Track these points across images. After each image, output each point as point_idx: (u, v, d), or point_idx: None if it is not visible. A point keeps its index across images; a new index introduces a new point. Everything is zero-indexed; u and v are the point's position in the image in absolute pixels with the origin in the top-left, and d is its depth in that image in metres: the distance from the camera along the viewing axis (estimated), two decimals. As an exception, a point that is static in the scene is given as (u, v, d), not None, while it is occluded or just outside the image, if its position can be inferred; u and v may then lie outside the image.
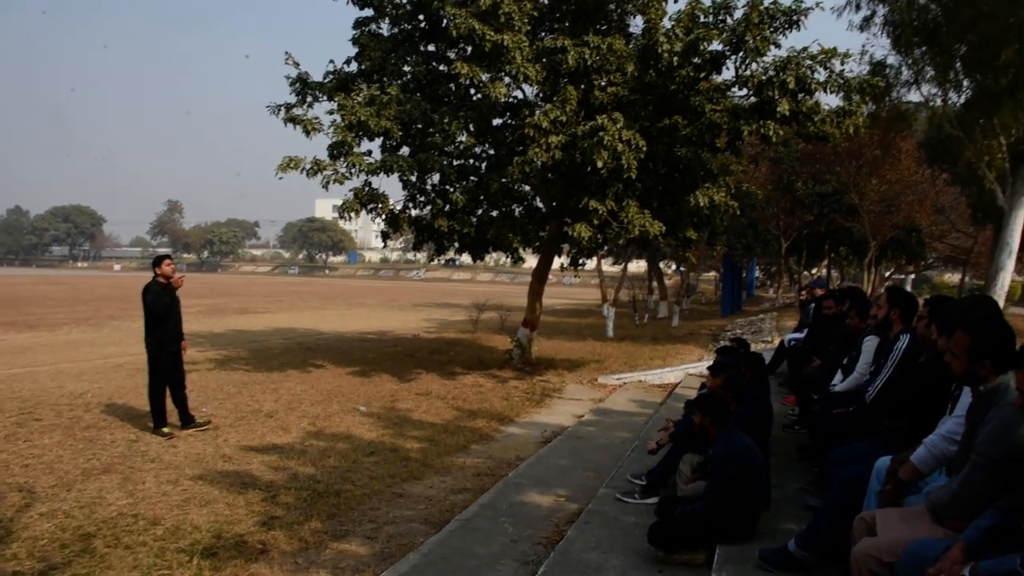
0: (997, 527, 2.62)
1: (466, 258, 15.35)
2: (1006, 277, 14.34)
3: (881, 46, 26.87)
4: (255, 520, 5.66)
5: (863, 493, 3.77)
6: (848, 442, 4.59)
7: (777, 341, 15.52)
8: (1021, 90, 14.02)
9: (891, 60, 16.57)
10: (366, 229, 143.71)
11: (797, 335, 10.53)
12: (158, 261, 8.67)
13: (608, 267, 40.97)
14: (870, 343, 5.77)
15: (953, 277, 52.59)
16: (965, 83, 15.83)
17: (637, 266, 43.35)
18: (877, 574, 2.79)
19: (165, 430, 8.31)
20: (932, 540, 2.74)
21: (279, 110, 12.69)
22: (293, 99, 13.07)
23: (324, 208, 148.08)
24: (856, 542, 3.08)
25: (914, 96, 17.09)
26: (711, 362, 6.64)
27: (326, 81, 13.36)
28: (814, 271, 41.45)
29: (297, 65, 13.12)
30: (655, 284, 35.28)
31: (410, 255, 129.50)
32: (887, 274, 44.10)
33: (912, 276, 49.57)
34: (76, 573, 4.62)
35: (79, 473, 6.72)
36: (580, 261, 15.61)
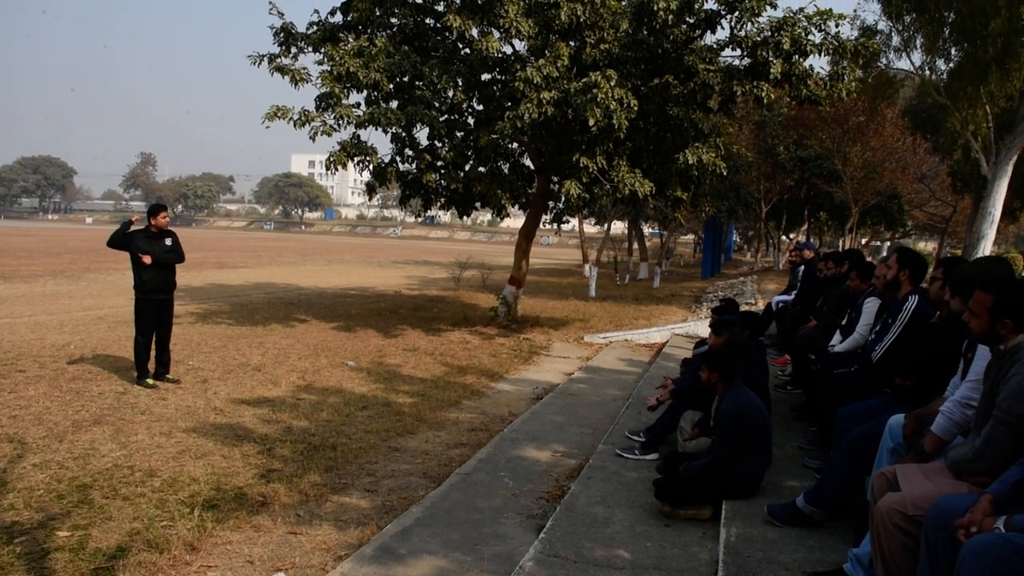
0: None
1: (444, 216, 15.30)
2: (987, 245, 14.49)
3: (872, 11, 26.86)
4: (253, 473, 5.62)
5: (874, 450, 3.79)
6: (852, 401, 4.61)
7: (760, 303, 15.67)
8: (1009, 60, 14.06)
9: (881, 26, 16.55)
10: (342, 185, 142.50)
11: (785, 297, 10.57)
12: (154, 211, 8.62)
13: (588, 228, 41.02)
14: (871, 304, 5.80)
15: (928, 245, 53.17)
16: (953, 51, 15.85)
17: (616, 228, 43.41)
18: (902, 528, 2.81)
19: (149, 381, 8.24)
20: (959, 495, 2.76)
21: (261, 60, 12.41)
22: (276, 50, 12.79)
23: (300, 164, 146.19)
24: (876, 498, 3.09)
25: (903, 64, 17.14)
26: (705, 322, 6.66)
27: (310, 32, 13.06)
28: (792, 236, 41.65)
29: (282, 15, 12.82)
30: (635, 245, 35.34)
31: (387, 212, 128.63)
32: (863, 241, 44.49)
33: (888, 244, 50.07)
34: (76, 524, 4.55)
35: (69, 424, 6.61)
36: (563, 219, 15.59)
